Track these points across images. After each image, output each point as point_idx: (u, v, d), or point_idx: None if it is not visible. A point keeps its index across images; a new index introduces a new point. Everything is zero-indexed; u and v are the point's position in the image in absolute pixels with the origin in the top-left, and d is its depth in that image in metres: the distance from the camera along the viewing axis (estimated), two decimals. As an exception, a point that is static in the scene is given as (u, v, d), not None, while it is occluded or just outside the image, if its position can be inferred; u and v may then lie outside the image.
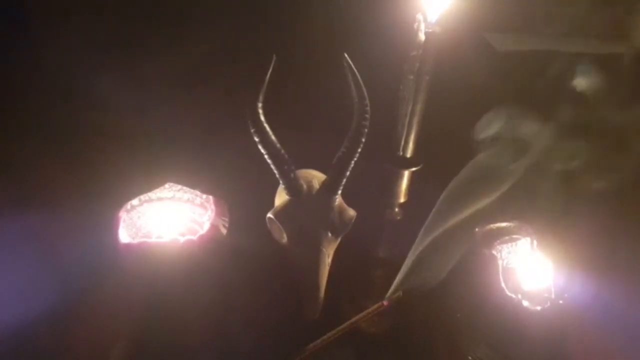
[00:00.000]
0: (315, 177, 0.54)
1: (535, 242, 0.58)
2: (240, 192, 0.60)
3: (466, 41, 0.62)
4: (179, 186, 0.59)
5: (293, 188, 0.52)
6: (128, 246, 0.54)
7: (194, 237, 0.54)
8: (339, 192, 0.53)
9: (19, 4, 0.60)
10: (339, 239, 0.54)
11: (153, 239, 0.55)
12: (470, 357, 0.56)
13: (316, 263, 0.51)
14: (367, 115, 0.51)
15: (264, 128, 0.50)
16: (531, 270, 0.57)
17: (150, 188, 0.59)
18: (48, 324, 0.52)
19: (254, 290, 0.56)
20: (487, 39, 0.66)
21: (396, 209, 0.63)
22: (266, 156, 0.51)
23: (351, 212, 0.54)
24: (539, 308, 0.55)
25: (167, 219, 0.59)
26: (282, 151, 0.51)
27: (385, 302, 0.57)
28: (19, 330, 0.51)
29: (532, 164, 0.58)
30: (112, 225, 0.55)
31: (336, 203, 0.53)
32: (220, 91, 0.62)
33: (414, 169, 0.60)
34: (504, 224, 0.59)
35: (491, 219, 0.58)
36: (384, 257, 0.67)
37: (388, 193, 0.62)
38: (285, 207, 0.52)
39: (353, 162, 0.52)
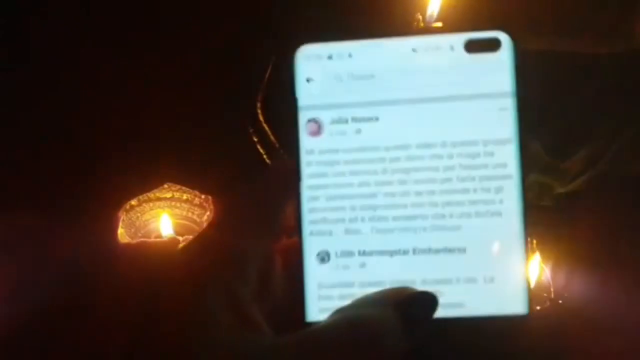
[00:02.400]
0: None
1: (534, 241, 0.58)
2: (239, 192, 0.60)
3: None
4: (178, 186, 0.59)
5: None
6: (127, 246, 0.54)
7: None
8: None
9: (17, 2, 0.60)
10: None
11: (152, 239, 0.55)
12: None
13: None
14: None
15: (263, 128, 0.50)
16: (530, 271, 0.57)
17: (149, 188, 0.59)
18: (46, 324, 0.52)
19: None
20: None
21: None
22: (265, 156, 0.51)
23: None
24: (538, 308, 0.55)
25: (166, 219, 0.59)
26: (281, 151, 0.51)
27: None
28: (16, 330, 0.51)
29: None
30: (111, 226, 0.55)
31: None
32: (220, 91, 0.62)
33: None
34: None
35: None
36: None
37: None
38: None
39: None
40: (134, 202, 0.58)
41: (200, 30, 0.61)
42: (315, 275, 0.28)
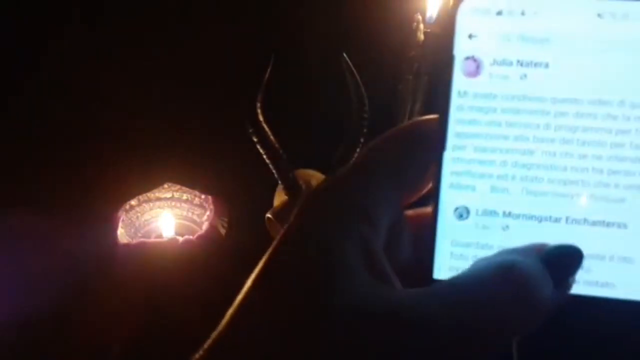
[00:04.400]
0: (314, 177, 0.54)
1: None
2: (239, 192, 0.60)
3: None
4: (178, 186, 0.60)
5: (291, 188, 0.52)
6: (127, 246, 0.54)
7: (193, 237, 0.54)
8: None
9: (16, 2, 0.60)
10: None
11: (152, 239, 0.55)
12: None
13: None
14: (366, 116, 0.51)
15: (263, 128, 0.50)
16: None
17: (149, 188, 0.59)
18: (46, 324, 0.52)
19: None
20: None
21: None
22: (265, 156, 0.51)
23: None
24: None
25: (166, 219, 0.59)
26: (281, 151, 0.51)
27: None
28: (16, 329, 0.51)
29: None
30: (111, 226, 0.55)
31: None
32: (220, 91, 0.62)
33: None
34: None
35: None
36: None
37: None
38: (284, 207, 0.52)
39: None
40: (134, 202, 0.58)
41: (201, 30, 0.62)
42: (450, 231, 0.25)
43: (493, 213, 0.25)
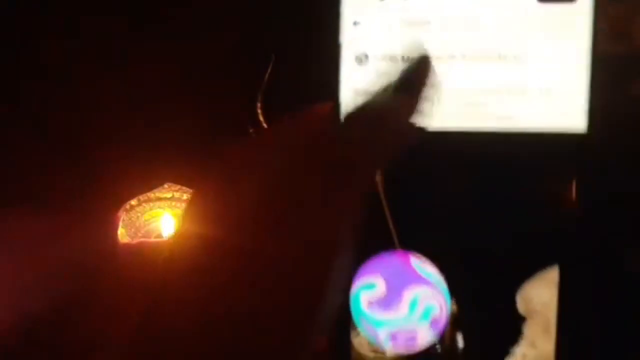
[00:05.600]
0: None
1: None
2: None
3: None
4: (178, 186, 0.60)
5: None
6: (127, 246, 0.54)
7: (193, 237, 0.55)
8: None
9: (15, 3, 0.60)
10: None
11: (152, 239, 0.56)
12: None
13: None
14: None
15: (263, 128, 0.51)
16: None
17: (149, 188, 0.59)
18: (46, 324, 0.52)
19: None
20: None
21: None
22: (265, 156, 0.51)
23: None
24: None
25: (166, 219, 0.59)
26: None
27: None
28: (15, 330, 0.51)
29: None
30: (111, 226, 0.55)
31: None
32: (220, 91, 0.62)
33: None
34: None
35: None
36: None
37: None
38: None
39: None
40: (134, 202, 0.58)
41: (200, 30, 0.62)
42: (351, 78, 0.25)
43: (392, 58, 0.25)
